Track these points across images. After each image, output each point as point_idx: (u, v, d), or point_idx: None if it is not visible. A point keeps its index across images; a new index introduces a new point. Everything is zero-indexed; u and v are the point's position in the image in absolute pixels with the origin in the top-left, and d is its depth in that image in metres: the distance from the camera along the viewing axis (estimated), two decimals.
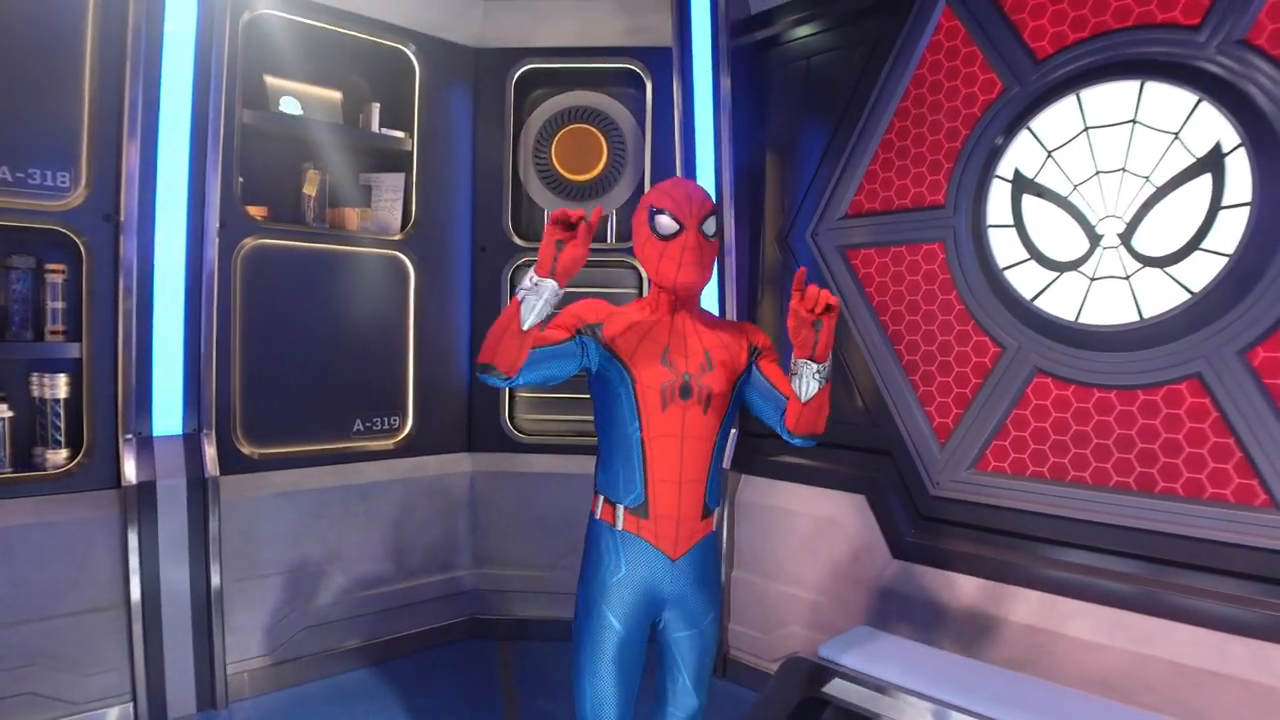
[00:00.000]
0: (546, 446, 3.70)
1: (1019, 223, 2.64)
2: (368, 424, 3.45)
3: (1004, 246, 2.67)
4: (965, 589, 2.66)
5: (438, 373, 3.63)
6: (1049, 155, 2.56)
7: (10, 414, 2.71)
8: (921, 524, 2.86)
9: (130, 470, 2.76)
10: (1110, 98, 2.42)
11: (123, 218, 2.73)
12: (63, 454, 2.78)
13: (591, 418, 1.98)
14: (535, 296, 1.67)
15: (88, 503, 2.74)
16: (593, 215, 1.65)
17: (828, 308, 1.66)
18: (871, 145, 3.01)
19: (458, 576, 3.66)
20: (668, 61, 3.43)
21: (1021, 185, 2.63)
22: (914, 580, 2.80)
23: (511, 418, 3.76)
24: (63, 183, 2.71)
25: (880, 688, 2.29)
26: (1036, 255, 2.60)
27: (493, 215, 3.69)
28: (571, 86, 3.72)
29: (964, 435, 2.77)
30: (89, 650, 2.72)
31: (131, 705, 2.78)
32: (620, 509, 1.90)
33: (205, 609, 2.89)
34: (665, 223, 1.86)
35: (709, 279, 1.93)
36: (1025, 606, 2.51)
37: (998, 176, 2.68)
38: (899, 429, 2.94)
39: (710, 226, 1.87)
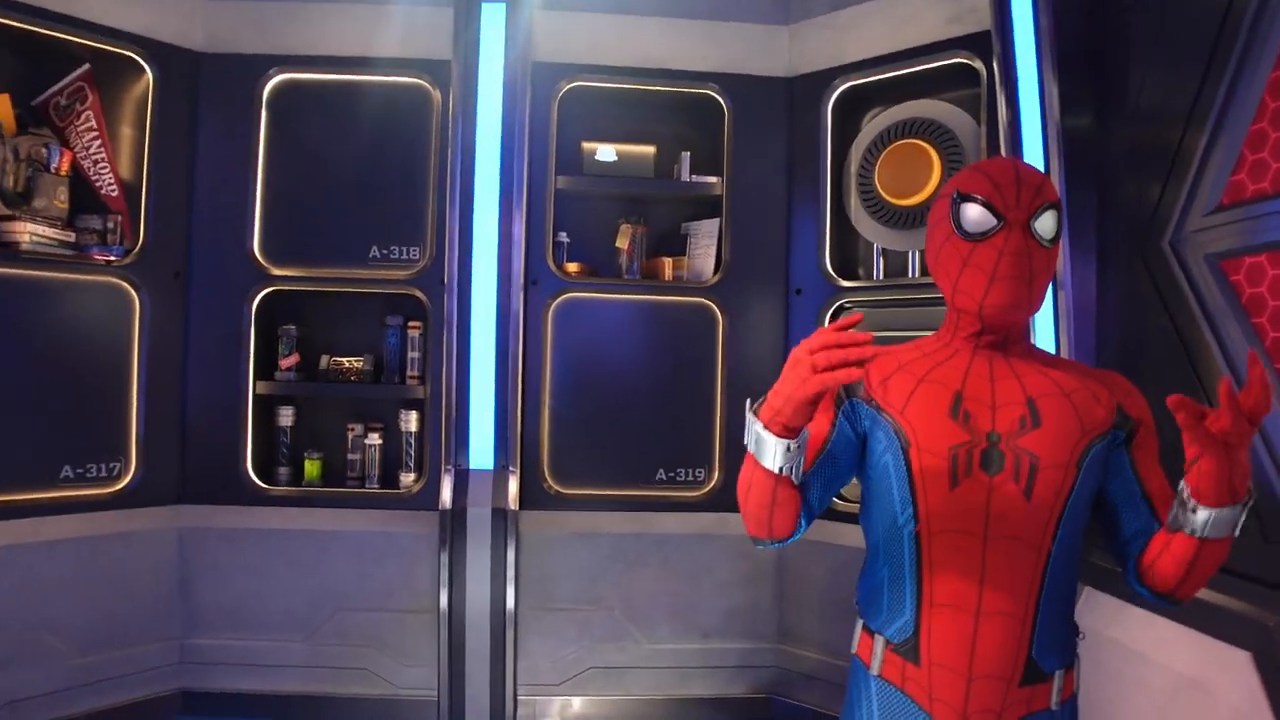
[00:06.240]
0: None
1: None
2: (671, 474, 3.39)
3: None
4: None
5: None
6: None
7: (380, 442, 3.40)
8: None
9: (447, 497, 3.20)
10: None
11: (446, 280, 3.23)
12: (412, 477, 3.37)
13: None
14: (773, 447, 1.16)
15: (420, 520, 3.25)
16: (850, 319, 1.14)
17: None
18: (1255, 93, 1.93)
19: (758, 649, 3.33)
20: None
21: None
22: None
23: None
24: (413, 255, 3.32)
25: None
26: None
27: (808, 255, 3.35)
28: (897, 99, 3.18)
29: None
30: (409, 644, 3.21)
31: (436, 702, 3.17)
32: (879, 643, 1.32)
33: (501, 630, 3.16)
34: (975, 215, 1.23)
35: (1038, 306, 1.28)
36: None
37: None
38: None
39: (1047, 225, 1.23)
